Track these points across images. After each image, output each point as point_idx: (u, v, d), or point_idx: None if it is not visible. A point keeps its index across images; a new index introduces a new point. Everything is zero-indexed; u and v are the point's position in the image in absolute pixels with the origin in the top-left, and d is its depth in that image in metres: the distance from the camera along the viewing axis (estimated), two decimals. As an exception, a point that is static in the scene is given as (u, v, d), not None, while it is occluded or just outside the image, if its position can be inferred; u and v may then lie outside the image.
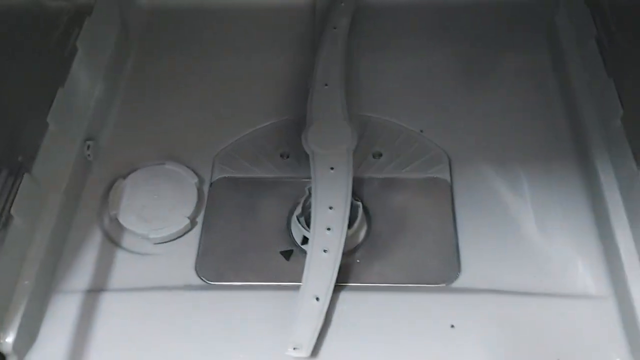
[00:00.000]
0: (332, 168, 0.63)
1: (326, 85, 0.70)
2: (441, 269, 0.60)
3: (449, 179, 0.66)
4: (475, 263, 0.60)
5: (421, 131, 0.71)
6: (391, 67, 0.76)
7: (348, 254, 0.62)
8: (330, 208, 0.60)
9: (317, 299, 0.55)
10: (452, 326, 0.55)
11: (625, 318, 0.54)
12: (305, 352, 0.52)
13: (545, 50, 0.75)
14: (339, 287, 0.59)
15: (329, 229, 0.59)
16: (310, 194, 0.63)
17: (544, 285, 0.57)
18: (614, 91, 0.59)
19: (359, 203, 0.63)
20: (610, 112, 0.59)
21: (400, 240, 0.63)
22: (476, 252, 0.61)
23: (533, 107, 0.71)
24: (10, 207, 0.54)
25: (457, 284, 0.59)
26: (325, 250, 0.58)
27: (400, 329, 0.56)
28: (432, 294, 0.58)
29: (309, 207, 0.64)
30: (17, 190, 0.55)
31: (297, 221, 0.62)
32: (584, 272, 0.58)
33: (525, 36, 0.77)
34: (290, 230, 0.64)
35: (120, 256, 0.62)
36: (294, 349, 0.52)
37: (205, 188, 0.67)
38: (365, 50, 0.78)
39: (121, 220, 0.63)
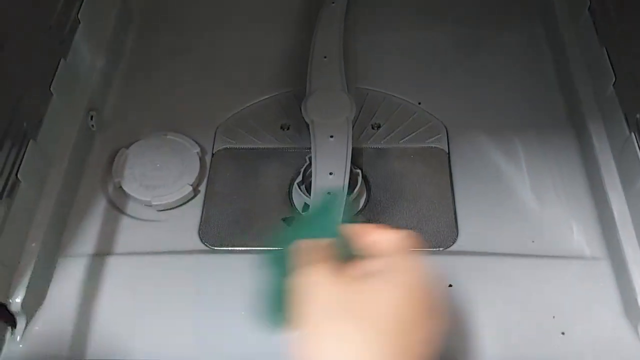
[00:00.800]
0: (331, 136, 0.64)
1: (325, 57, 0.71)
2: (439, 234, 0.62)
3: (446, 148, 0.68)
4: (472, 228, 0.61)
5: (419, 103, 0.72)
6: (389, 42, 0.78)
7: (349, 220, 0.63)
8: (331, 174, 0.61)
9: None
10: (450, 285, 0.57)
11: (619, 278, 0.56)
12: None
13: (540, 23, 0.77)
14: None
15: (329, 193, 0.60)
16: (310, 162, 0.64)
17: (539, 248, 0.59)
18: (607, 59, 0.61)
19: (359, 171, 0.64)
20: (603, 80, 0.61)
21: (399, 208, 0.64)
22: (473, 217, 0.62)
23: (528, 78, 0.72)
24: (17, 171, 0.55)
25: (454, 247, 0.60)
26: (325, 214, 0.59)
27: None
28: (430, 256, 0.59)
29: (310, 175, 0.65)
30: (24, 156, 0.56)
31: (297, 188, 0.63)
32: (578, 234, 0.60)
33: (520, 9, 0.78)
34: (291, 198, 0.65)
35: (125, 222, 0.63)
36: None
37: (208, 158, 0.68)
38: (363, 24, 0.79)
39: (125, 188, 0.64)
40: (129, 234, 0.62)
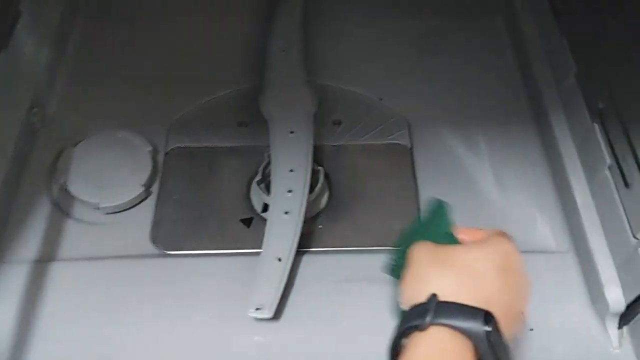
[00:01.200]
0: (291, 132, 0.62)
1: (284, 51, 0.69)
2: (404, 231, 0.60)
3: (409, 144, 0.66)
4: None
5: (380, 99, 0.70)
6: (349, 36, 0.76)
7: (311, 220, 0.61)
8: (291, 171, 0.59)
9: (279, 259, 0.53)
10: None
11: (585, 270, 0.55)
12: (268, 312, 0.50)
13: (500, 15, 0.76)
14: (302, 252, 0.57)
15: (290, 191, 0.57)
16: (270, 160, 0.62)
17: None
18: (567, 50, 0.60)
19: (320, 168, 0.62)
20: (564, 70, 0.60)
21: (363, 205, 0.62)
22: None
23: (489, 71, 0.71)
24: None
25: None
26: (286, 212, 0.56)
27: (362, 290, 0.55)
28: (395, 254, 0.57)
29: (270, 174, 0.63)
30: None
31: (257, 187, 0.60)
32: (543, 228, 0.59)
33: (480, 2, 0.78)
34: (250, 198, 0.63)
35: (70, 226, 0.59)
36: (257, 309, 0.50)
37: (161, 157, 0.65)
38: (322, 18, 0.77)
39: (71, 189, 0.60)
40: (74, 238, 0.58)
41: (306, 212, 0.59)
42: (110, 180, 0.60)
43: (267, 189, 0.62)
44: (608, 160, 0.52)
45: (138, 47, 0.74)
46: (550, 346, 0.51)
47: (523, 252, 0.56)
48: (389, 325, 0.35)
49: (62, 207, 0.60)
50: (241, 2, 0.78)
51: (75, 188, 0.59)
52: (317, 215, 0.62)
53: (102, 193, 0.59)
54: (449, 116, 0.68)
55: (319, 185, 0.60)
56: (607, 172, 0.52)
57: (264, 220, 0.61)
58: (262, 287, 0.52)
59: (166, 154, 0.65)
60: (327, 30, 0.76)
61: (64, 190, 0.60)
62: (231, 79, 0.71)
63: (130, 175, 0.61)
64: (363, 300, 0.54)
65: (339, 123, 0.68)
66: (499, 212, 0.60)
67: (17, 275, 0.54)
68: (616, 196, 0.51)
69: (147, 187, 0.61)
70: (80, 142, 0.63)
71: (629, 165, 0.49)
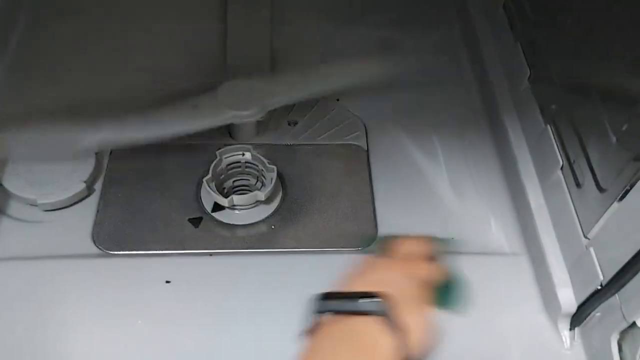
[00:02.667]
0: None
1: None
2: (358, 234, 0.58)
3: (365, 145, 0.65)
4: (392, 226, 0.59)
5: (337, 100, 0.69)
6: (308, 37, 0.75)
7: (263, 220, 0.59)
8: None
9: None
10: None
11: (538, 273, 0.55)
12: None
13: (456, 21, 0.77)
14: (253, 253, 0.56)
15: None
16: (220, 158, 0.60)
17: (459, 244, 0.57)
18: (521, 54, 0.61)
19: (274, 167, 0.60)
20: (518, 75, 0.61)
21: (317, 206, 0.61)
22: (392, 215, 0.60)
23: (445, 76, 0.71)
24: None
25: (374, 246, 0.57)
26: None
27: (314, 291, 0.53)
28: (349, 256, 0.56)
29: (220, 172, 0.61)
30: None
31: (207, 186, 0.58)
32: (497, 230, 0.58)
33: (436, 9, 0.78)
34: (200, 197, 0.60)
35: (5, 224, 0.55)
36: None
37: (106, 153, 0.62)
38: (281, 18, 0.75)
39: (6, 185, 0.56)
40: (9, 236, 0.55)
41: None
42: (48, 176, 0.56)
43: (218, 188, 0.60)
44: (561, 161, 0.52)
45: (86, 40, 0.71)
46: (503, 347, 0.51)
47: (478, 254, 0.57)
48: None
49: (-4, 203, 0.56)
50: (192, 3, 0.76)
51: (10, 184, 0.56)
52: (271, 215, 0.60)
53: (40, 189, 0.56)
54: (406, 119, 0.67)
55: (272, 184, 0.59)
56: (560, 173, 0.52)
57: (214, 220, 0.59)
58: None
59: (112, 150, 0.62)
60: (286, 32, 0.74)
61: (-1, 186, 0.57)
62: (183, 74, 0.69)
63: (71, 171, 0.57)
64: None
65: (295, 123, 0.67)
66: (454, 215, 0.60)
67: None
68: (568, 197, 0.51)
69: (90, 184, 0.58)
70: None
71: (581, 165, 0.49)
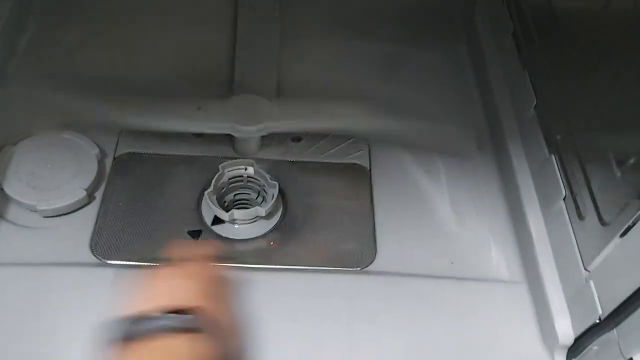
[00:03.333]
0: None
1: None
2: (357, 253, 0.58)
3: (368, 165, 0.65)
4: (391, 247, 0.59)
5: (342, 118, 0.69)
6: (315, 55, 0.75)
7: (263, 236, 0.59)
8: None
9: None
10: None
11: (536, 302, 0.54)
12: None
13: (464, 44, 0.77)
14: (251, 269, 0.55)
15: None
16: (222, 171, 0.60)
17: (458, 270, 0.57)
18: (528, 83, 0.61)
19: (276, 183, 0.60)
20: (524, 103, 0.61)
21: (317, 224, 0.60)
22: (392, 237, 0.59)
23: (451, 98, 0.71)
24: None
25: (372, 267, 0.57)
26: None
27: (311, 310, 0.53)
28: (347, 276, 0.56)
29: (222, 186, 0.61)
30: None
31: (208, 199, 0.58)
32: (497, 258, 0.58)
33: (446, 31, 0.78)
34: (201, 209, 0.60)
35: (3, 228, 0.55)
36: None
37: (108, 162, 0.62)
38: (289, 35, 0.75)
39: (6, 189, 0.56)
40: (6, 241, 0.54)
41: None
42: (50, 182, 0.56)
43: (219, 202, 0.60)
44: (564, 191, 0.52)
45: (93, 48, 0.71)
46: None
47: (476, 280, 0.57)
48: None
49: (-4, 207, 0.56)
50: (207, 10, 0.76)
51: (10, 188, 0.56)
52: (270, 231, 0.60)
53: (40, 195, 0.55)
54: (409, 141, 0.67)
55: (273, 200, 0.58)
56: (562, 204, 0.52)
57: (214, 233, 0.59)
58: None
59: (115, 159, 0.62)
60: (291, 48, 0.74)
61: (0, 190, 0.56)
62: (190, 86, 0.69)
63: (72, 178, 0.57)
64: (310, 319, 0.52)
65: (298, 139, 0.67)
66: (454, 239, 0.59)
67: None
68: (570, 228, 0.50)
69: (91, 192, 0.58)
70: (22, 140, 0.59)
71: (584, 197, 0.49)
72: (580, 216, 0.50)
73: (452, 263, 0.57)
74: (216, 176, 0.59)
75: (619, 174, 0.45)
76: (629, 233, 0.42)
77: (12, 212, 0.56)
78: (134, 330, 0.38)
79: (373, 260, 0.57)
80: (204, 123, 0.62)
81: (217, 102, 0.63)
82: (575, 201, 0.51)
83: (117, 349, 0.38)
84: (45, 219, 0.56)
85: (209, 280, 0.43)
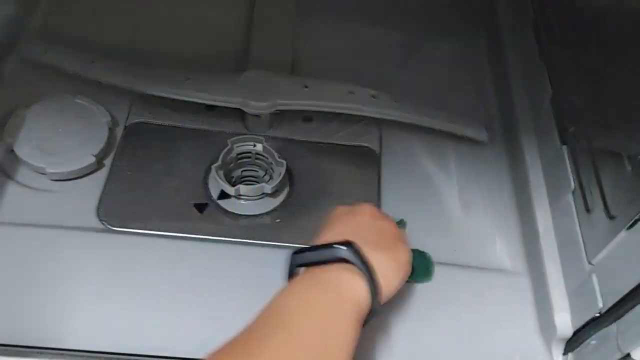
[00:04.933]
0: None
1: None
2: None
3: (377, 148, 0.65)
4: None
5: (355, 100, 0.69)
6: (332, 35, 0.74)
7: (268, 213, 0.59)
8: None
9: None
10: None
11: (537, 294, 0.54)
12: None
13: (482, 32, 0.76)
14: (255, 244, 0.56)
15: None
16: (231, 146, 0.60)
17: (461, 258, 0.56)
18: (545, 74, 0.60)
19: (283, 161, 0.60)
20: (540, 93, 0.60)
21: (322, 205, 0.60)
22: (396, 219, 0.59)
23: (466, 86, 0.71)
24: None
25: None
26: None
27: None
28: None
29: (230, 161, 0.61)
30: None
31: (215, 173, 0.58)
32: (501, 247, 0.58)
33: (464, 18, 0.77)
34: (208, 183, 0.60)
35: (11, 189, 0.56)
36: None
37: (119, 131, 0.62)
38: (307, 13, 0.75)
39: (17, 151, 0.56)
40: (14, 202, 0.55)
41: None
42: (60, 147, 0.57)
43: (226, 177, 0.60)
44: (573, 184, 0.52)
45: (112, 16, 0.71)
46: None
47: (478, 268, 0.57)
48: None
49: (6, 169, 0.57)
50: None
51: (21, 150, 0.56)
52: (275, 209, 0.60)
53: (50, 159, 0.56)
54: (421, 128, 0.66)
55: (280, 178, 0.59)
56: (570, 197, 0.52)
57: (220, 207, 0.59)
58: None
59: (126, 127, 0.63)
60: (309, 28, 0.74)
61: (10, 152, 0.57)
62: (206, 60, 0.69)
63: (82, 143, 0.58)
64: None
65: (309, 120, 0.67)
66: (458, 227, 0.59)
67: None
68: (576, 221, 0.50)
69: (100, 158, 0.58)
70: (34, 103, 0.60)
71: (592, 190, 0.48)
72: (588, 209, 0.49)
73: (455, 251, 0.57)
74: (225, 151, 0.60)
75: (629, 167, 0.44)
76: (635, 226, 0.41)
77: (22, 174, 0.57)
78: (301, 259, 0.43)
79: (376, 243, 0.58)
80: (215, 96, 0.62)
81: (230, 75, 0.63)
82: (583, 194, 0.50)
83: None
84: (54, 182, 0.56)
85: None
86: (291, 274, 0.44)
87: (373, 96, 0.62)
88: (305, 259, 0.43)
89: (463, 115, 0.66)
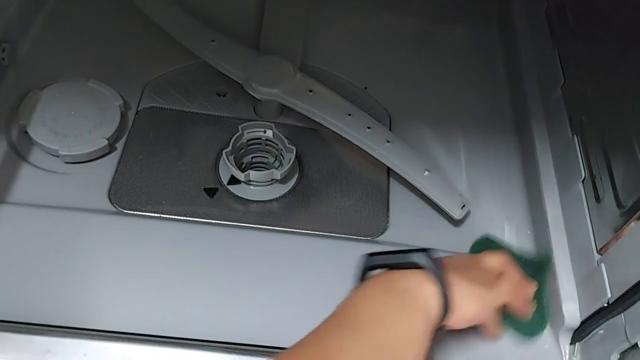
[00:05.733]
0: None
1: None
2: (369, 223, 0.58)
3: (387, 136, 0.65)
4: (404, 220, 0.59)
5: (365, 88, 0.69)
6: (343, 24, 0.74)
7: (277, 199, 0.59)
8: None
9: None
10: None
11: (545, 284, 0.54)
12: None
13: (495, 20, 0.75)
14: (264, 229, 0.56)
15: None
16: (242, 132, 0.60)
17: (468, 246, 0.56)
18: (557, 62, 0.59)
19: (293, 148, 0.60)
20: (552, 82, 0.59)
21: (332, 191, 0.61)
22: (406, 209, 0.59)
23: (477, 74, 0.70)
24: None
25: (383, 237, 0.57)
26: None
27: (318, 274, 0.53)
28: (357, 245, 0.56)
29: (240, 146, 0.61)
30: None
31: (226, 158, 0.58)
32: (509, 236, 0.57)
33: (477, 5, 0.77)
34: (218, 168, 0.61)
35: (25, 170, 0.56)
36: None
37: (131, 115, 0.63)
38: (319, 3, 0.75)
39: (30, 133, 0.57)
40: (27, 183, 0.56)
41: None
42: (73, 129, 0.57)
43: (236, 162, 0.60)
44: (583, 173, 0.51)
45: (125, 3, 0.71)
46: (500, 356, 0.50)
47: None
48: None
49: (19, 150, 0.57)
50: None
51: (35, 132, 0.57)
52: (284, 195, 0.60)
53: (63, 141, 0.57)
54: (431, 114, 0.66)
55: (290, 164, 0.59)
56: (581, 186, 0.51)
57: (229, 192, 0.59)
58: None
59: (138, 111, 0.63)
60: (322, 17, 0.73)
61: (24, 133, 0.58)
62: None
63: (95, 127, 0.58)
64: (317, 284, 0.53)
65: (320, 107, 0.67)
66: (467, 216, 0.59)
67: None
68: (586, 210, 0.50)
69: (112, 142, 0.59)
70: (49, 85, 0.60)
71: (602, 179, 0.48)
72: (598, 199, 0.49)
73: (462, 238, 0.57)
74: (235, 136, 0.60)
75: (640, 157, 0.44)
76: (645, 216, 0.41)
77: (35, 155, 0.57)
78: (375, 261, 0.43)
79: (384, 231, 0.58)
80: (225, 64, 0.63)
81: (249, 54, 0.63)
82: (594, 183, 0.50)
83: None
84: (67, 164, 0.57)
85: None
86: (363, 276, 0.43)
87: (368, 127, 0.60)
88: (379, 261, 0.42)
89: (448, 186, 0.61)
